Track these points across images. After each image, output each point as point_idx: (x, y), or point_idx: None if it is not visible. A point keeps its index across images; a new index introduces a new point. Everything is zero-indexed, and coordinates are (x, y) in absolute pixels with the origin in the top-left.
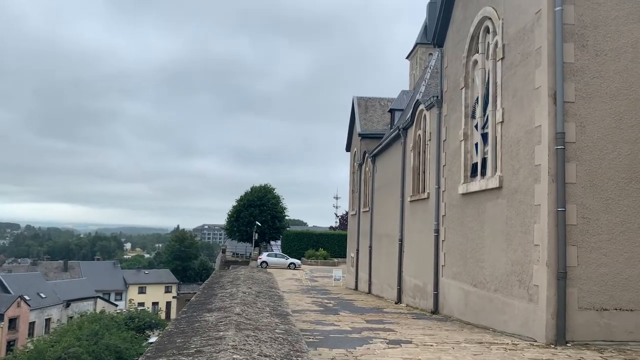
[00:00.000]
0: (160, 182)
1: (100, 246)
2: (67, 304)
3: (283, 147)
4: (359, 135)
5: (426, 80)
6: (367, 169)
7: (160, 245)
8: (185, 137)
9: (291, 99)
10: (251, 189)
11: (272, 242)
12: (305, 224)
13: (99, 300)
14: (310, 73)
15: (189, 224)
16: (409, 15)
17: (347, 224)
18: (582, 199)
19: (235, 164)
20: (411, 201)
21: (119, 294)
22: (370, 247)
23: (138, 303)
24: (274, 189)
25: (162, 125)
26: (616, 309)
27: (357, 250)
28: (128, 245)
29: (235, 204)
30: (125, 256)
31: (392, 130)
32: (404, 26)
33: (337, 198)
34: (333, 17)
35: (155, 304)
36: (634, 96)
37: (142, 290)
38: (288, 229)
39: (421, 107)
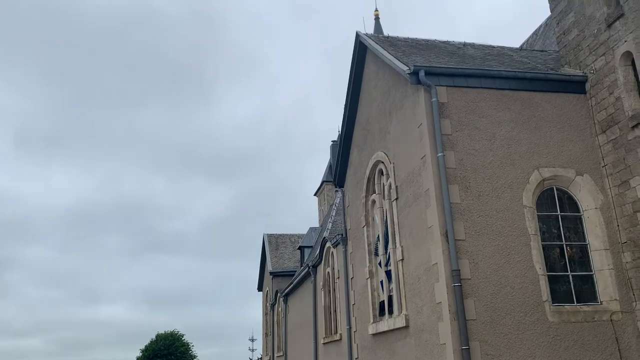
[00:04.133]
0: (58, 334)
1: None
2: None
3: (196, 287)
4: (270, 273)
5: (332, 217)
6: (279, 309)
7: None
8: (89, 282)
9: (206, 236)
10: (156, 336)
11: None
12: None
13: None
14: (225, 209)
15: None
16: (320, 151)
17: None
18: (483, 335)
19: (144, 309)
20: (324, 343)
21: None
22: None
23: None
24: (182, 336)
25: (65, 271)
26: None
27: None
28: None
29: (139, 354)
30: None
31: (302, 268)
32: (317, 162)
33: (252, 340)
34: (250, 155)
35: None
36: (516, 232)
37: None
38: None
39: (328, 244)
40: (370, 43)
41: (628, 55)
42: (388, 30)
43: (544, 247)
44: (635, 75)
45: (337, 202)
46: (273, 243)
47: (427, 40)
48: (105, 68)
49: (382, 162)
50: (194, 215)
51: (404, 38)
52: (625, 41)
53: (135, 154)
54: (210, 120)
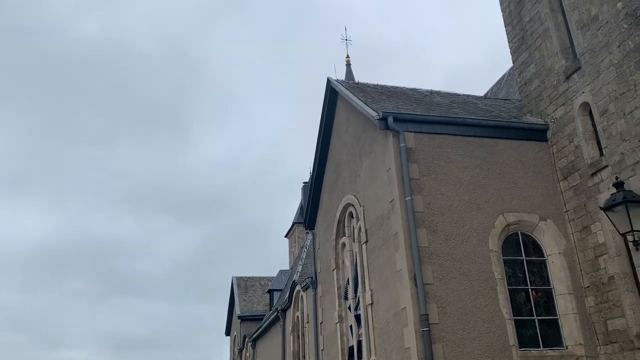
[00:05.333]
0: None
1: None
2: None
3: (162, 331)
4: (239, 317)
5: (303, 260)
6: (247, 354)
7: None
8: (52, 326)
9: (174, 278)
10: None
11: None
12: None
13: None
14: (195, 250)
15: None
16: (292, 192)
17: None
18: None
19: (109, 353)
20: None
21: None
22: None
23: None
24: None
25: (26, 314)
26: None
27: None
28: None
29: None
30: None
31: (271, 312)
32: (288, 203)
33: None
34: (222, 195)
35: None
36: (484, 276)
37: None
38: None
39: (298, 287)
40: (341, 89)
41: (586, 105)
42: (359, 76)
43: (510, 291)
44: (593, 125)
45: (308, 244)
46: (242, 286)
47: (396, 88)
48: (77, 105)
49: (352, 205)
50: (162, 256)
51: (373, 85)
52: (583, 92)
53: (105, 193)
54: (182, 160)
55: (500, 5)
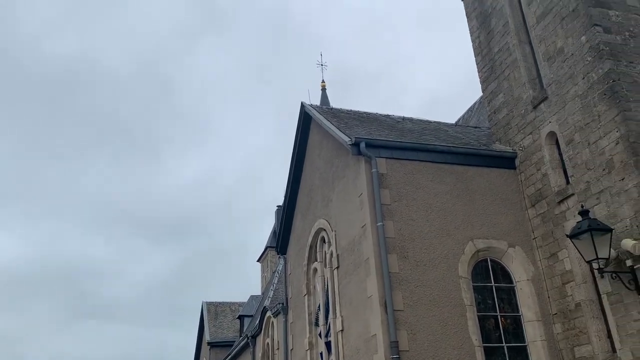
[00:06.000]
0: None
1: None
2: None
3: (133, 356)
4: (208, 344)
5: (274, 285)
6: None
7: None
8: (16, 350)
9: (143, 302)
10: None
11: None
12: None
13: None
14: (167, 274)
15: None
16: (266, 216)
17: None
18: None
19: None
20: None
21: None
22: None
23: None
24: None
25: None
26: None
27: None
28: None
29: None
30: None
31: (241, 338)
32: (262, 227)
33: None
34: (194, 218)
35: None
36: (453, 302)
37: None
38: None
39: (268, 314)
40: (315, 114)
41: (552, 135)
42: (335, 101)
43: (479, 318)
44: (560, 153)
45: (280, 269)
46: (212, 312)
47: (369, 113)
48: (48, 124)
49: (324, 230)
50: (133, 280)
51: (347, 110)
52: (550, 122)
53: (75, 215)
54: (155, 182)
55: (471, 35)
